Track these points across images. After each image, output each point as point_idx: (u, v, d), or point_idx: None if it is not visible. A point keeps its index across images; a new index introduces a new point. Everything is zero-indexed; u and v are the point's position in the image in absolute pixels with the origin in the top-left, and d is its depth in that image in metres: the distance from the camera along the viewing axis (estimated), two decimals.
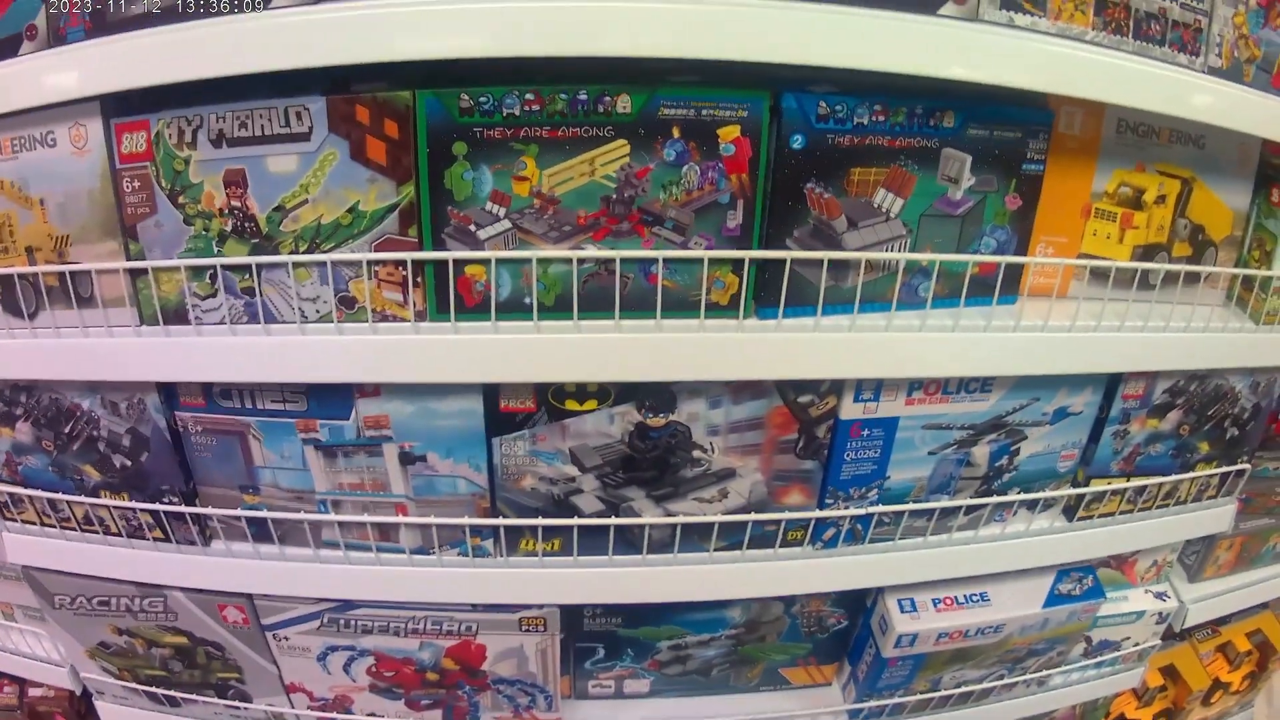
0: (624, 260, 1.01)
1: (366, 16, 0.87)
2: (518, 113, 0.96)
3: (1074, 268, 1.19)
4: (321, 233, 1.02)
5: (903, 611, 1.35)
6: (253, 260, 1.02)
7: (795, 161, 1.01)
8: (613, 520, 1.15)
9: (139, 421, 1.15)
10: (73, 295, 1.05)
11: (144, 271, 1.03)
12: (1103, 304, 1.16)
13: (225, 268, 1.03)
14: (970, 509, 1.27)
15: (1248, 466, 1.44)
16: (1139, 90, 1.06)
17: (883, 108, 1.02)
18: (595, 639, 1.39)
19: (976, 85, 0.98)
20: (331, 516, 1.16)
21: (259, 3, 0.89)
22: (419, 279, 1.03)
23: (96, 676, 1.41)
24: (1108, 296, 1.16)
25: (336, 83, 0.98)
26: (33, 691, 1.54)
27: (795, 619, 1.41)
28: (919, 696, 1.46)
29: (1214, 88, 1.09)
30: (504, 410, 1.10)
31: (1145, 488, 1.36)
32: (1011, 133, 1.09)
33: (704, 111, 0.98)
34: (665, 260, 1.02)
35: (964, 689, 1.48)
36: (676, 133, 0.99)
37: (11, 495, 1.24)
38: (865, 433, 1.16)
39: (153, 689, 1.41)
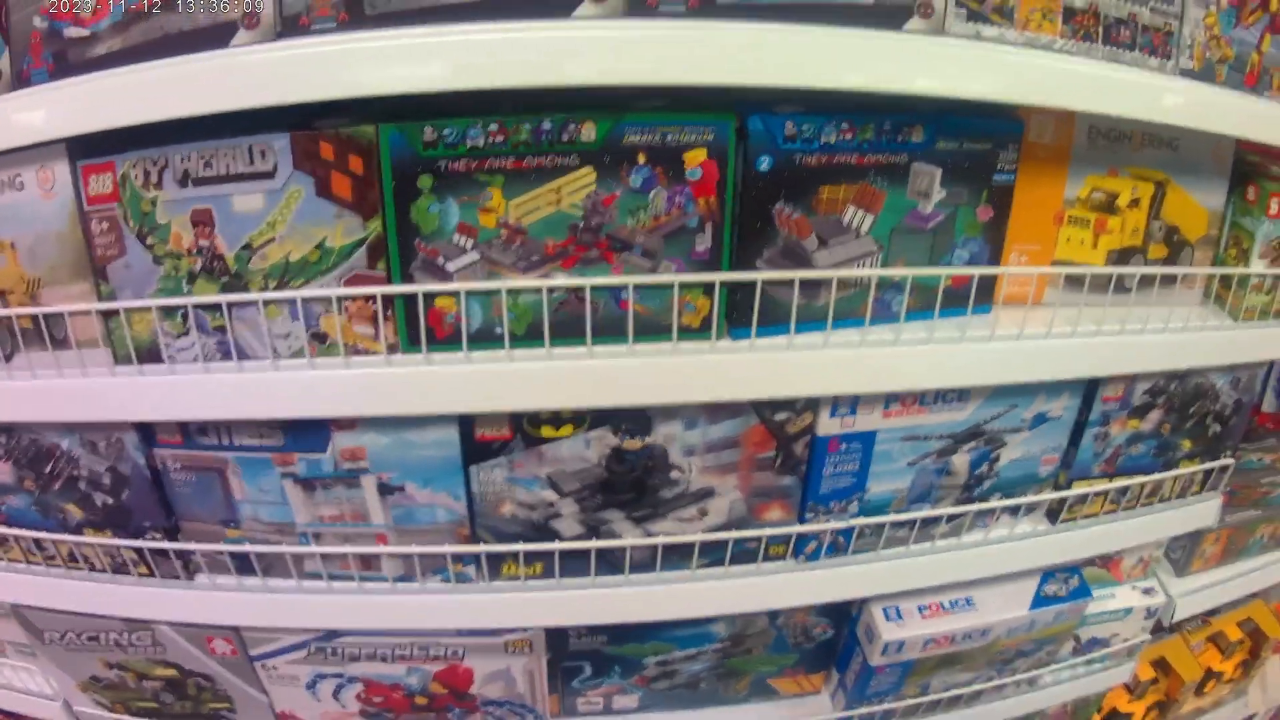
0: (594, 287, 1.01)
1: (326, 53, 0.87)
2: (482, 144, 0.95)
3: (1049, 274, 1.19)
4: (290, 270, 1.01)
5: (888, 619, 1.35)
6: (223, 299, 1.01)
7: (763, 183, 1.01)
8: (593, 544, 1.16)
9: (118, 460, 1.15)
10: (47, 337, 1.05)
11: (116, 312, 1.03)
12: (1079, 309, 1.16)
13: (196, 307, 1.02)
14: (952, 517, 1.27)
15: (1231, 461, 1.44)
16: (1110, 97, 1.06)
17: (850, 125, 1.02)
18: (582, 657, 1.39)
19: (945, 98, 0.97)
20: (313, 549, 1.16)
21: (219, 41, 0.89)
22: (389, 313, 1.02)
23: (89, 710, 1.42)
24: (1084, 302, 1.16)
25: (300, 118, 0.97)
26: None
27: (781, 631, 1.41)
28: (909, 702, 1.46)
29: (1186, 91, 1.09)
30: (480, 439, 1.10)
31: (1128, 487, 1.37)
32: (981, 144, 1.09)
33: (669, 136, 0.98)
34: (635, 285, 1.01)
35: (954, 692, 1.48)
36: (642, 159, 0.98)
37: None
38: (843, 447, 1.17)
39: None
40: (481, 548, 1.16)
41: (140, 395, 1.06)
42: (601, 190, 0.99)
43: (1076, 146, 1.18)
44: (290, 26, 0.89)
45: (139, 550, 1.19)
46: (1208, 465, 1.43)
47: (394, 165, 0.96)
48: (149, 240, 1.00)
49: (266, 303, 1.02)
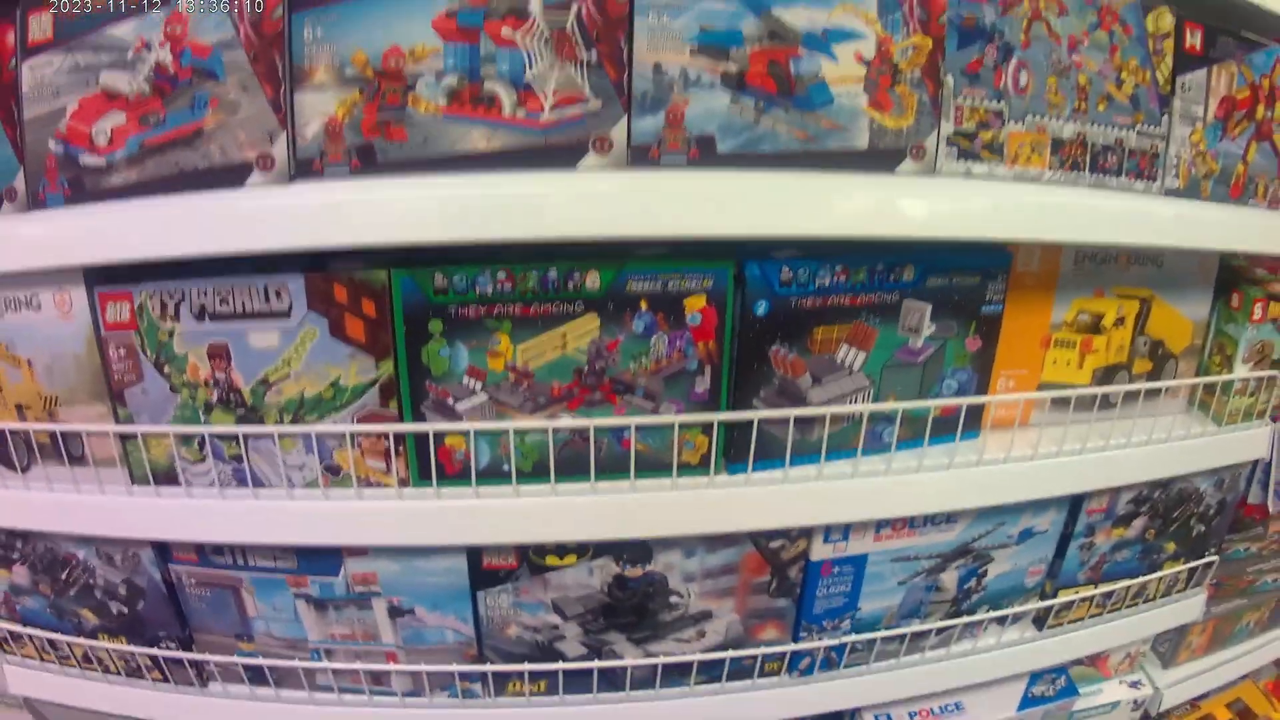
0: (598, 428, 1.05)
1: (338, 202, 0.90)
2: (490, 291, 0.99)
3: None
4: (305, 405, 1.05)
5: None
6: (239, 430, 1.04)
7: (760, 326, 1.05)
8: (596, 664, 1.19)
9: (134, 573, 1.18)
10: (64, 453, 1.08)
11: (134, 435, 1.05)
12: (1064, 428, 1.20)
13: (213, 436, 1.06)
14: (941, 630, 1.31)
15: (1215, 559, 1.47)
16: (1098, 227, 1.10)
17: (844, 268, 1.06)
18: None
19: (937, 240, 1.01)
20: (325, 664, 1.19)
21: (234, 180, 0.91)
22: (401, 448, 1.06)
23: None
24: (1069, 420, 1.20)
25: (315, 256, 1.01)
26: None
27: None
28: None
29: (1171, 212, 1.13)
30: (487, 567, 1.13)
31: (1113, 591, 1.40)
32: (970, 278, 1.13)
33: (670, 283, 1.02)
34: (637, 426, 1.05)
35: None
36: (644, 305, 1.02)
37: (11, 633, 1.27)
38: (836, 570, 1.20)
39: None
40: (488, 667, 1.19)
41: (156, 516, 1.09)
42: (605, 336, 1.03)
43: (1063, 273, 1.22)
44: (304, 170, 0.92)
45: (153, 657, 1.22)
46: (1192, 564, 1.46)
47: (405, 310, 0.99)
48: (166, 369, 1.03)
49: (281, 436, 1.05)
